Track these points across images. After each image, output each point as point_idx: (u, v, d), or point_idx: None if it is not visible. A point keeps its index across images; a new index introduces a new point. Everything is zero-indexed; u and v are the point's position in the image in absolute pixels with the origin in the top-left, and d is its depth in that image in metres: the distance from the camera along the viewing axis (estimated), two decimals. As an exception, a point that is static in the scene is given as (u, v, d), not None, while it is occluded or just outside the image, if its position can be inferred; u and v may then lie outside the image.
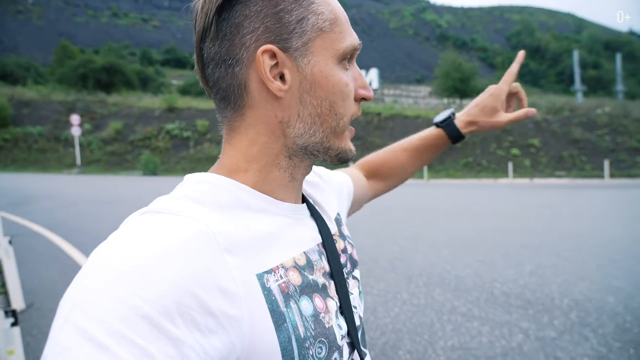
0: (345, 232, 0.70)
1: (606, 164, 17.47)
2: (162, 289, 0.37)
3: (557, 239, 6.15)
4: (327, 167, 0.78)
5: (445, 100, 31.29)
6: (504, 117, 0.89)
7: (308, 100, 0.52)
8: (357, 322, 0.60)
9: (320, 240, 0.59)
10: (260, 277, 0.46)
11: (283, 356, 0.45)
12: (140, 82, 47.72)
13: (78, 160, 25.64)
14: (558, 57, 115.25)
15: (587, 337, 3.11)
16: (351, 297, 0.60)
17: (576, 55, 44.88)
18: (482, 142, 21.17)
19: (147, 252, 0.39)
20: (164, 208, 0.46)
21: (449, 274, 4.68)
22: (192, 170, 24.58)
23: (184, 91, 41.13)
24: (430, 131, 0.93)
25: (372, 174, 0.96)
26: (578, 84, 41.44)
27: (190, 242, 0.42)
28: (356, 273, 0.67)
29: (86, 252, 5.66)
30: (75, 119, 25.22)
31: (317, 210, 0.63)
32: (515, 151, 20.21)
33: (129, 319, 0.35)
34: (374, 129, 23.93)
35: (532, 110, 0.87)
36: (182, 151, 26.40)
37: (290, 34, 0.50)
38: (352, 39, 0.55)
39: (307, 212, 0.60)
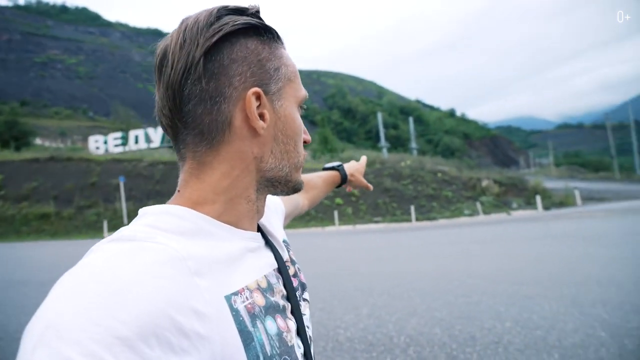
0: (293, 257, 0.75)
1: (412, 209, 20.26)
2: (137, 311, 0.38)
3: (384, 279, 6.68)
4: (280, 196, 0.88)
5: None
6: (365, 182, 1.26)
7: (280, 138, 0.59)
8: (309, 341, 0.64)
9: (276, 266, 0.63)
10: (228, 298, 0.48)
11: None
12: None
13: None
14: (366, 117, 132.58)
15: (425, 370, 3.32)
16: (304, 317, 0.65)
17: (380, 117, 52.20)
18: (309, 193, 22.45)
19: (122, 275, 0.40)
20: (133, 235, 0.47)
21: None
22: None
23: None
24: (331, 172, 1.19)
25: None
26: (383, 141, 48.02)
27: (162, 266, 0.43)
28: (306, 295, 0.72)
29: None
30: None
31: (270, 238, 0.67)
32: (339, 200, 21.98)
33: (104, 341, 0.35)
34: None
35: (371, 187, 1.28)
36: (-37, 211, 21.47)
37: (269, 79, 0.57)
38: (304, 90, 0.64)
39: (262, 240, 0.64)
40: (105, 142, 32.24)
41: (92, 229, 20.53)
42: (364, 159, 1.30)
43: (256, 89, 0.54)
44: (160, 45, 0.55)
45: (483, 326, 4.18)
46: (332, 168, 1.20)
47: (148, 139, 30.42)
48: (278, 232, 0.72)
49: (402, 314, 4.78)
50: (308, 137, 0.66)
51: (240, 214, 0.58)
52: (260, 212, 0.63)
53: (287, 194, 0.65)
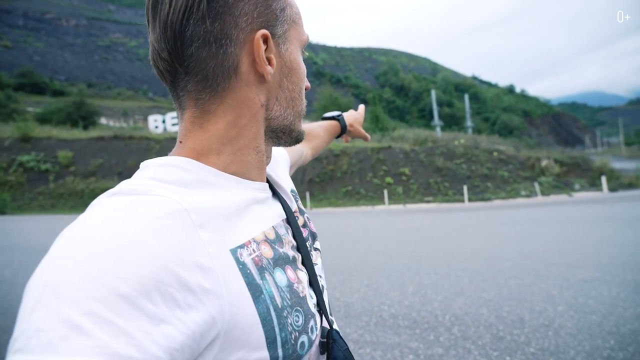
0: (302, 207, 0.73)
1: (465, 189, 19.69)
2: (138, 267, 0.37)
3: (433, 259, 6.59)
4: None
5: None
6: (363, 132, 1.25)
7: (286, 85, 0.56)
8: (322, 290, 0.63)
9: (285, 217, 0.62)
10: (233, 251, 0.47)
11: (263, 326, 0.46)
12: (-16, 108, 41.50)
13: None
14: (419, 95, 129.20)
15: (469, 349, 3.27)
16: (316, 267, 0.64)
17: (434, 94, 50.72)
18: (359, 172, 22.40)
19: (121, 230, 0.39)
20: (134, 189, 0.45)
21: (339, 300, 4.66)
22: (52, 208, 21.79)
23: (43, 119, 36.72)
24: (330, 122, 1.17)
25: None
26: (437, 120, 46.68)
27: (164, 220, 0.41)
28: (317, 245, 0.71)
29: None
30: None
31: (277, 189, 0.66)
32: (389, 179, 21.74)
33: (105, 299, 0.34)
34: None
35: (369, 137, 1.27)
36: (40, 186, 23.36)
37: (276, 21, 0.53)
38: (307, 33, 0.61)
39: (270, 191, 0.62)
40: (164, 121, 33.77)
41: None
42: (362, 107, 1.27)
43: (264, 31, 0.51)
44: None
45: (533, 309, 4.04)
46: (332, 118, 1.18)
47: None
48: (285, 183, 0.70)
49: (449, 293, 4.71)
50: (308, 84, 0.63)
51: (249, 164, 0.56)
52: (268, 162, 0.61)
53: (290, 144, 0.62)
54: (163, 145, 25.86)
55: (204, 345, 0.41)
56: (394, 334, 3.66)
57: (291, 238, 0.60)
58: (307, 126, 1.10)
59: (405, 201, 20.05)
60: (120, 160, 25.11)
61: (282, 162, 0.82)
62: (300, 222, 0.67)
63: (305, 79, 0.61)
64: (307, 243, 0.65)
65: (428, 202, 19.83)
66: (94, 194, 22.86)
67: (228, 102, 0.53)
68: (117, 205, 0.42)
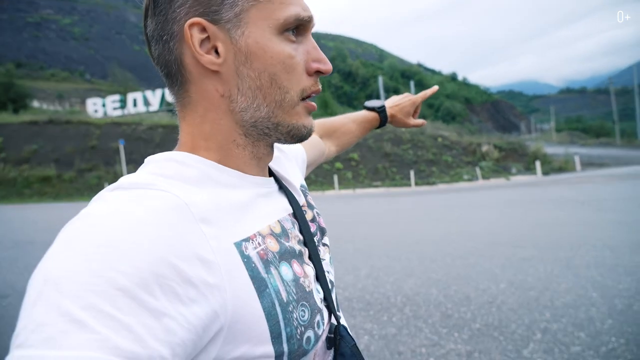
0: (312, 201, 0.72)
1: (412, 174, 20.34)
2: (138, 261, 0.37)
3: (384, 242, 6.80)
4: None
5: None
6: (412, 120, 1.11)
7: (245, 73, 0.51)
8: (330, 286, 0.62)
9: (292, 211, 0.61)
10: (238, 245, 0.46)
11: (268, 321, 0.46)
12: None
13: None
14: (366, 81, 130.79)
15: (420, 328, 3.44)
16: (323, 262, 0.63)
17: (381, 80, 51.40)
18: (309, 157, 22.49)
19: (121, 225, 0.39)
20: (135, 183, 0.45)
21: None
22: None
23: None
24: (368, 113, 1.08)
25: (328, 135, 1.04)
26: (384, 106, 47.45)
27: (164, 214, 0.41)
28: (325, 240, 0.70)
29: None
30: None
31: (284, 183, 0.64)
32: (338, 165, 22.02)
33: (105, 293, 0.34)
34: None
35: (424, 121, 1.13)
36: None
37: (219, 5, 0.49)
38: (296, 8, 0.52)
39: (275, 186, 0.61)
40: (104, 105, 31.97)
41: (94, 192, 20.36)
42: (427, 92, 1.11)
43: (195, 19, 0.48)
44: None
45: (478, 287, 4.30)
46: (373, 109, 1.07)
47: (147, 102, 30.15)
48: (293, 178, 0.69)
49: (400, 275, 4.90)
50: (323, 66, 0.55)
51: (239, 160, 0.55)
52: (261, 158, 0.58)
53: (286, 141, 0.56)
54: (104, 131, 24.59)
55: (207, 339, 0.41)
56: (349, 316, 3.77)
57: (298, 232, 0.59)
58: (338, 119, 1.07)
59: (355, 186, 20.42)
60: (56, 146, 23.62)
61: (293, 157, 0.79)
62: (308, 216, 0.66)
63: (295, 62, 0.52)
64: (315, 238, 0.64)
65: (377, 186, 20.31)
66: (28, 182, 21.44)
67: (192, 96, 0.53)
68: (118, 200, 0.42)
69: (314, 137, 0.97)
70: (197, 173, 0.49)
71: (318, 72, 0.55)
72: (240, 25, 0.50)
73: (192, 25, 0.48)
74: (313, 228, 0.65)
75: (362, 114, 1.08)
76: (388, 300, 4.12)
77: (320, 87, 0.56)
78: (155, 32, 0.51)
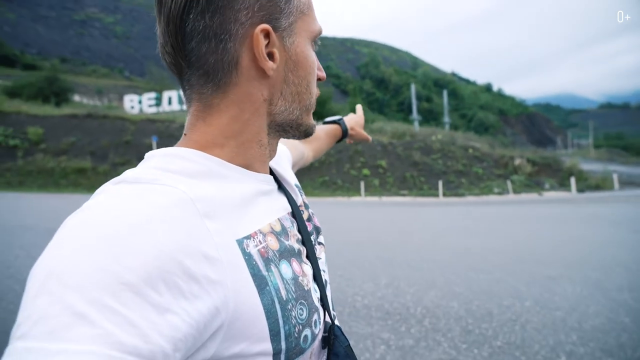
0: (306, 201, 0.73)
1: (440, 184, 20.01)
2: (144, 255, 0.36)
3: (407, 251, 6.70)
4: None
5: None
6: (365, 134, 1.24)
7: (291, 79, 0.54)
8: (325, 285, 0.63)
9: (290, 210, 0.62)
10: (240, 242, 0.47)
11: (267, 318, 0.46)
12: (-51, 79, 39.68)
13: None
14: (399, 89, 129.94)
15: (439, 341, 3.36)
16: (320, 261, 0.64)
17: (413, 88, 50.99)
18: (337, 163, 22.45)
19: (127, 218, 0.38)
20: (140, 177, 0.45)
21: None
22: (20, 185, 21.08)
23: (12, 93, 35.25)
24: (331, 125, 1.17)
25: (304, 140, 1.07)
26: (415, 114, 47.03)
27: (170, 209, 0.41)
28: (321, 239, 0.71)
29: None
30: None
31: (282, 182, 0.66)
32: (366, 171, 21.89)
33: (109, 287, 0.34)
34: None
35: (370, 138, 1.26)
36: (7, 162, 22.53)
37: (280, 13, 0.51)
38: (319, 23, 0.58)
39: (275, 184, 0.62)
40: (140, 102, 32.97)
41: (126, 186, 21.21)
42: (359, 108, 1.27)
43: (264, 25, 0.50)
44: None
45: (502, 303, 4.17)
46: (333, 122, 1.18)
47: (181, 101, 30.85)
48: (290, 177, 0.70)
49: (421, 286, 4.81)
50: (322, 74, 0.62)
51: (253, 157, 0.56)
52: (272, 156, 0.61)
53: (299, 138, 0.61)
54: (139, 127, 25.27)
55: (207, 336, 0.41)
56: (366, 324, 3.72)
57: (296, 231, 0.60)
58: None
59: (381, 193, 20.24)
60: (93, 139, 24.43)
61: (284, 157, 0.81)
62: (304, 216, 0.67)
63: (316, 70, 0.59)
64: (311, 237, 0.65)
65: (403, 195, 20.07)
66: (65, 173, 22.23)
67: (230, 97, 0.52)
68: (123, 194, 0.42)
69: (295, 140, 1.00)
70: (202, 168, 0.50)
71: (319, 79, 0.61)
72: (292, 34, 0.53)
73: (261, 30, 0.49)
74: (309, 227, 0.66)
75: (327, 126, 1.17)
76: (407, 310, 4.04)
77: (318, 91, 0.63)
78: (208, 30, 0.48)
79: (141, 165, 0.50)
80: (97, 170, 22.60)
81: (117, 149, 23.94)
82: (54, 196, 18.25)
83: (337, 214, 12.65)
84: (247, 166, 0.55)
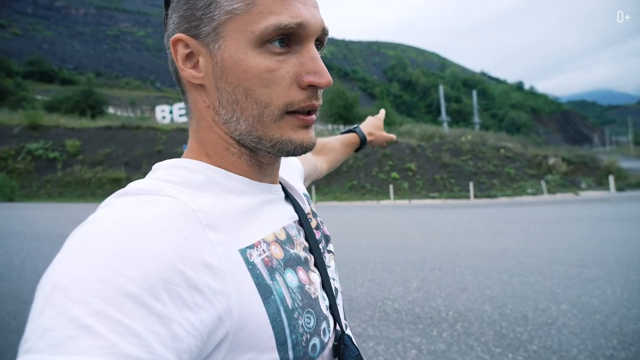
0: (315, 209, 0.72)
1: (471, 185, 19.63)
2: (146, 266, 0.37)
3: (438, 255, 6.60)
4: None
5: (330, 127, 32.41)
6: (387, 135, 1.20)
7: (222, 87, 0.51)
8: (335, 293, 0.62)
9: (297, 218, 0.61)
10: (243, 252, 0.47)
11: (273, 327, 0.46)
12: (-7, 95, 41.81)
13: None
14: (427, 90, 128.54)
15: (472, 346, 3.30)
16: (329, 269, 0.63)
17: (441, 89, 50.44)
18: (365, 167, 22.36)
19: (130, 230, 0.39)
20: (142, 189, 0.46)
21: (343, 294, 4.69)
22: (60, 196, 21.97)
23: (51, 107, 36.89)
24: (347, 134, 1.15)
25: (317, 151, 1.07)
26: (444, 115, 46.47)
27: (171, 220, 0.42)
28: (330, 247, 0.70)
29: None
30: None
31: (289, 191, 0.66)
32: (394, 175, 21.69)
33: (113, 299, 0.34)
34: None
35: (394, 136, 1.22)
36: (47, 174, 23.53)
37: (199, 20, 0.49)
38: (278, 18, 0.47)
39: (282, 193, 0.62)
40: (171, 112, 33.90)
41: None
42: (382, 112, 1.23)
43: (178, 35, 0.50)
44: None
45: (537, 307, 4.06)
46: (349, 131, 1.16)
47: (210, 110, 31.56)
48: (298, 185, 0.71)
49: (452, 290, 4.73)
50: (317, 79, 0.50)
51: (238, 167, 0.55)
52: (263, 164, 0.57)
53: (277, 155, 0.54)
54: (170, 136, 25.93)
55: (212, 346, 0.41)
56: (397, 328, 3.69)
57: (303, 239, 0.60)
58: (324, 140, 1.09)
59: (411, 196, 20.01)
60: (127, 150, 25.23)
61: (293, 167, 0.81)
62: (313, 224, 0.66)
63: (275, 76, 0.49)
64: (320, 245, 0.64)
65: (433, 197, 19.78)
66: (101, 183, 23.02)
67: (190, 105, 0.56)
68: (126, 206, 0.43)
69: (309, 155, 0.99)
70: (204, 179, 0.51)
71: (313, 86, 0.51)
72: (218, 39, 0.49)
73: (176, 41, 0.51)
74: (318, 235, 0.66)
75: (344, 135, 1.15)
76: (439, 314, 3.99)
77: (316, 102, 0.52)
78: (165, 46, 0.55)
79: (147, 176, 0.51)
80: (131, 179, 22.91)
81: (150, 158, 24.60)
82: (92, 206, 18.92)
83: (367, 218, 12.60)
84: (244, 175, 0.55)
